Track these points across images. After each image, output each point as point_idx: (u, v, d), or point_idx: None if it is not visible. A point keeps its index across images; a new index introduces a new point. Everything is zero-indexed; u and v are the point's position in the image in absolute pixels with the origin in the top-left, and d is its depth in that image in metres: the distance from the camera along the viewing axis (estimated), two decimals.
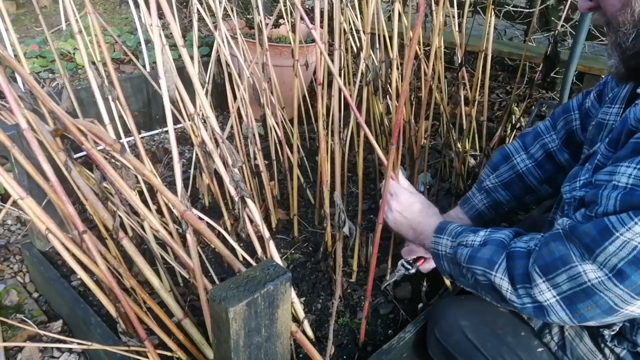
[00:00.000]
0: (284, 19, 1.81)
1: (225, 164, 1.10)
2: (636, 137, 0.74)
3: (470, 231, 0.95)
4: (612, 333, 0.90)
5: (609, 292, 0.73)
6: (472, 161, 2.09)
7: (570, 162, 1.16)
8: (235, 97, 1.55)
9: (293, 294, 1.04)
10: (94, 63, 1.31)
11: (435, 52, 1.53)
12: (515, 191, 1.21)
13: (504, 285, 0.84)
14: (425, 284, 1.37)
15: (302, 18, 0.92)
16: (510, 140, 2.10)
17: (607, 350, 0.92)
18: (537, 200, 1.23)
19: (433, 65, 1.54)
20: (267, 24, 1.86)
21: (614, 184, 0.74)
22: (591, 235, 0.74)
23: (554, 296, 0.79)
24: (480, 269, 0.88)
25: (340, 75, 1.81)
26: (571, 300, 0.77)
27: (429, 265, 1.26)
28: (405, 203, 1.07)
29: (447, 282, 1.39)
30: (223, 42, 1.45)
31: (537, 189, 1.20)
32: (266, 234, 1.12)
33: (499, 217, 1.25)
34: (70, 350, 1.31)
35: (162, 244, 1.21)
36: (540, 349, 0.98)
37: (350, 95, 1.67)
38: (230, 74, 1.60)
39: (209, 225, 1.03)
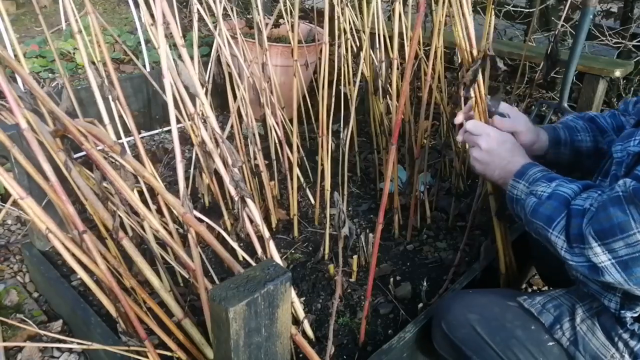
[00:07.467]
0: (284, 19, 1.81)
1: (225, 163, 1.10)
2: None
3: (546, 179, 0.95)
4: (635, 315, 0.90)
5: None
6: None
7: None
8: (235, 97, 1.55)
9: (293, 293, 1.04)
10: (94, 63, 1.31)
11: (435, 52, 1.53)
12: (588, 123, 1.23)
13: (559, 243, 0.86)
14: (425, 284, 1.37)
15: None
16: None
17: (620, 344, 0.91)
18: (610, 143, 1.14)
19: (433, 65, 1.54)
20: (267, 24, 1.86)
21: None
22: None
23: (609, 259, 0.80)
24: (540, 224, 0.90)
25: (340, 75, 1.82)
26: (627, 264, 0.78)
27: None
28: (495, 141, 1.04)
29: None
30: (223, 42, 1.45)
31: (608, 131, 1.20)
32: (266, 234, 1.12)
33: (572, 146, 1.22)
34: (70, 350, 1.31)
35: (162, 244, 1.20)
36: (550, 343, 0.97)
37: (350, 96, 1.68)
38: (230, 74, 1.60)
39: (209, 226, 1.03)
